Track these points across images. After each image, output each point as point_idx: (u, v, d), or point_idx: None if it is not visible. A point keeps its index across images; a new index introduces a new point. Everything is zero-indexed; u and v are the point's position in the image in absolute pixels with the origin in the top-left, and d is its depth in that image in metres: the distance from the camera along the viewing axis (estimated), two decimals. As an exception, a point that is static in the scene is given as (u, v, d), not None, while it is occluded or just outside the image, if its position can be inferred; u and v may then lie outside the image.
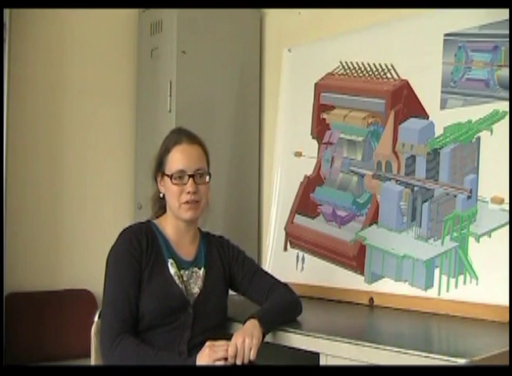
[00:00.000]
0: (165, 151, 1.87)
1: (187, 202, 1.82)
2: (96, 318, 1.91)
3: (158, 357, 1.68)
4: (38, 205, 2.84)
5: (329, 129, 2.62)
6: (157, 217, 1.95)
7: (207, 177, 1.87)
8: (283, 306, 1.88)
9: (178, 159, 1.84)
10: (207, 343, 1.67)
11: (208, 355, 1.63)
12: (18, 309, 2.65)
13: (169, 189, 1.85)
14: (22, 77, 2.77)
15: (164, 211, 1.93)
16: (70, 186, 2.94)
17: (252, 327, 1.70)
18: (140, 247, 1.80)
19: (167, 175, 1.84)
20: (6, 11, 2.50)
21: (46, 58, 2.89)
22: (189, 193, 1.82)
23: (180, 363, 1.67)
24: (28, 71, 2.82)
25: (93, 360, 1.90)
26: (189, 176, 1.82)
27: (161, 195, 1.90)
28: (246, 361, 1.63)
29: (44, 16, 2.84)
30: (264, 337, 1.72)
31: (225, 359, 1.63)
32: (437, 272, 2.17)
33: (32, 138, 2.84)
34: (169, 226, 1.90)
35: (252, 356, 1.64)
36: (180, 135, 1.89)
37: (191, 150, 1.86)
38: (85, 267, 2.88)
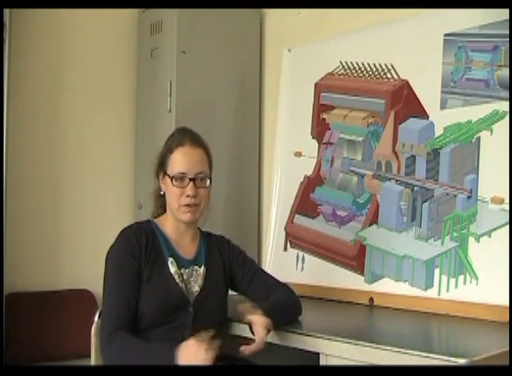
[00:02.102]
0: (168, 151, 1.87)
1: (186, 205, 1.82)
2: (96, 318, 1.91)
3: (148, 349, 1.67)
4: (38, 205, 2.84)
5: (329, 129, 2.61)
6: (157, 216, 1.94)
7: (208, 181, 1.87)
8: (283, 306, 1.88)
9: (180, 161, 1.83)
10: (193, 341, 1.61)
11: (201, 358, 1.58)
12: (18, 309, 2.65)
13: (169, 189, 1.85)
14: (22, 77, 2.77)
15: (165, 210, 1.93)
16: (70, 185, 2.94)
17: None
18: (139, 247, 1.80)
19: (168, 176, 1.84)
20: (6, 11, 2.50)
21: (46, 58, 2.89)
22: (188, 196, 1.81)
23: (162, 356, 1.63)
24: (28, 71, 2.82)
25: (93, 360, 1.90)
26: (190, 179, 1.82)
27: (162, 193, 1.90)
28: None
29: (44, 16, 2.84)
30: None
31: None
32: (437, 272, 2.17)
33: (32, 137, 2.84)
34: (169, 225, 1.89)
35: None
36: (184, 137, 1.88)
37: (193, 152, 1.85)
38: (85, 267, 2.88)
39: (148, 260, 1.79)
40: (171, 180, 1.83)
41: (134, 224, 1.90)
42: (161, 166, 1.88)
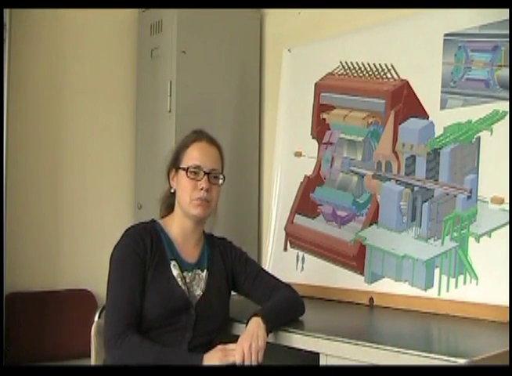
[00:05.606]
0: (183, 146, 1.88)
1: (198, 199, 1.82)
2: (96, 318, 1.91)
3: (163, 352, 1.67)
4: (38, 205, 2.84)
5: (329, 129, 2.61)
6: (163, 216, 1.94)
7: (221, 180, 1.87)
8: (286, 305, 1.88)
9: (196, 155, 1.85)
10: (219, 347, 1.68)
11: (219, 358, 1.63)
12: (18, 309, 2.65)
13: (182, 183, 1.84)
14: (22, 77, 2.77)
15: (171, 211, 1.92)
16: (71, 185, 2.94)
17: (256, 327, 1.69)
18: (144, 246, 1.79)
19: (183, 169, 1.84)
20: (6, 11, 2.51)
21: (46, 58, 2.90)
22: (202, 189, 1.81)
23: (185, 359, 1.67)
24: (28, 71, 2.82)
25: (93, 360, 1.90)
26: (205, 173, 1.83)
27: (172, 190, 1.90)
28: (254, 364, 1.63)
29: (44, 16, 2.84)
30: (268, 335, 1.72)
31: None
32: (437, 272, 2.17)
33: (32, 138, 2.84)
34: (175, 226, 1.88)
35: (259, 358, 1.64)
36: (201, 135, 1.90)
37: (209, 149, 1.88)
38: (85, 267, 2.89)
39: (152, 261, 1.79)
40: (186, 172, 1.83)
41: (138, 224, 1.89)
42: (174, 162, 1.88)
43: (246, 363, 1.62)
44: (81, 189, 2.96)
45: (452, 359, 1.43)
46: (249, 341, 1.64)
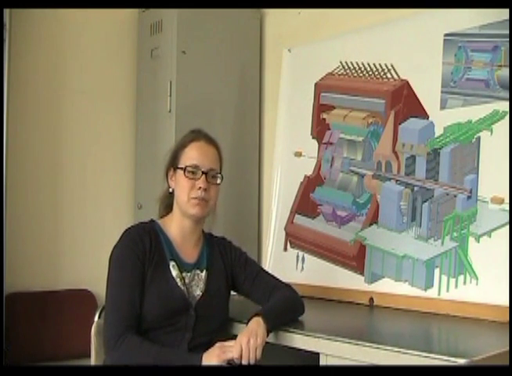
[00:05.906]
0: (181, 146, 1.88)
1: (196, 198, 1.82)
2: (96, 318, 1.91)
3: (163, 353, 1.67)
4: (38, 205, 2.84)
5: (329, 129, 2.62)
6: (162, 216, 1.94)
7: (219, 179, 1.87)
8: (286, 304, 1.87)
9: (194, 154, 1.85)
10: (217, 344, 1.68)
11: (217, 355, 1.63)
12: (18, 309, 2.65)
13: (180, 182, 1.84)
14: (22, 77, 2.77)
15: (170, 211, 1.92)
16: (71, 185, 2.94)
17: (256, 325, 1.69)
18: (143, 247, 1.79)
19: (181, 168, 1.84)
20: (6, 11, 2.51)
21: (46, 58, 2.90)
22: (199, 188, 1.81)
23: (184, 359, 1.67)
24: (28, 71, 2.82)
25: (93, 360, 1.90)
26: (203, 173, 1.83)
27: (170, 190, 1.90)
28: (252, 362, 1.63)
29: (44, 16, 2.84)
30: (268, 334, 1.72)
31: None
32: (437, 272, 2.17)
33: (32, 137, 2.84)
34: (174, 226, 1.88)
35: (257, 355, 1.64)
36: (199, 134, 1.90)
37: (208, 148, 1.88)
38: (85, 267, 2.89)
39: (151, 261, 1.79)
40: (184, 172, 1.83)
41: (138, 224, 1.89)
42: (173, 161, 1.88)
43: (244, 359, 1.62)
44: (81, 189, 2.96)
45: (452, 359, 1.43)
46: (247, 338, 1.64)
